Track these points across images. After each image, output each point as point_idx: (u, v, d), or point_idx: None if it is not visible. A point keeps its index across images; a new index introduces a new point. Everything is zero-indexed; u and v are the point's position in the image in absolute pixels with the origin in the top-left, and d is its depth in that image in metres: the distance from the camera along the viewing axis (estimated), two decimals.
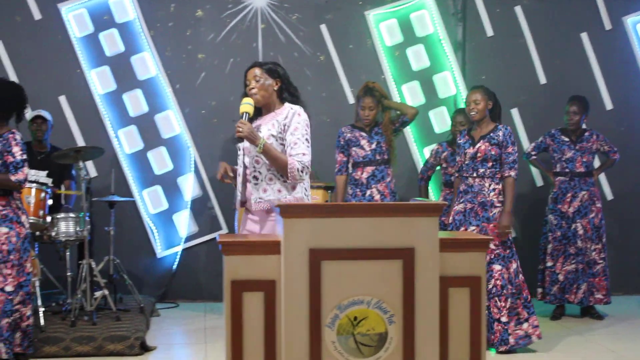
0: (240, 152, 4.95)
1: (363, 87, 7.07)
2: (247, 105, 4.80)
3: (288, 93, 5.02)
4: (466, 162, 6.40)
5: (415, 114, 7.16)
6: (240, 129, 4.69)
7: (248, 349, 4.02)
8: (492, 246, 6.16)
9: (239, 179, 4.94)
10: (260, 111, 4.98)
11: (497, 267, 6.23)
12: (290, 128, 4.86)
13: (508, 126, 6.45)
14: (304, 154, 4.81)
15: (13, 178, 5.70)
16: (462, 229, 6.33)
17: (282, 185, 4.85)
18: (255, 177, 4.85)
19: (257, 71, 4.96)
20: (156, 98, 8.28)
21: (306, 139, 4.86)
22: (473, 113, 6.36)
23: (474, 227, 6.29)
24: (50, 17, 8.16)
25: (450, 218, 6.42)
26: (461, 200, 6.39)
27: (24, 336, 5.85)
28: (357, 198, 6.94)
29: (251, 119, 4.84)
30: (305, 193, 4.93)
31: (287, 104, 4.96)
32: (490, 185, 6.32)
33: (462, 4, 8.52)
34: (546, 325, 7.17)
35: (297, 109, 4.92)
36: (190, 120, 8.32)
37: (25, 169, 5.76)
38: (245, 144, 4.85)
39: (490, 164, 6.31)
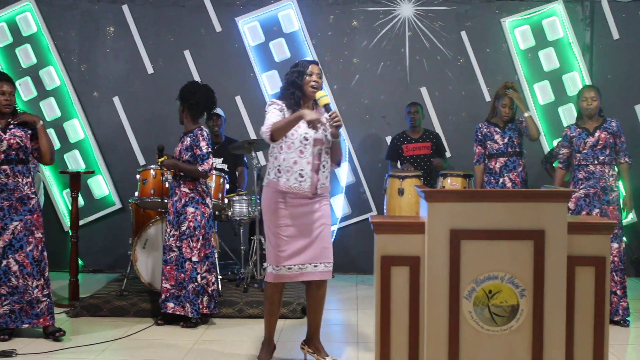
0: (308, 142, 4.77)
1: (503, 86, 6.88)
2: (327, 97, 4.72)
3: None
4: (585, 151, 6.18)
5: (536, 139, 6.94)
6: (340, 121, 4.65)
7: (395, 316, 4.05)
8: None
9: (309, 167, 4.78)
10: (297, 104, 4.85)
11: (614, 245, 6.08)
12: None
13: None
14: None
15: (200, 168, 5.91)
16: (584, 213, 6.14)
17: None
18: (323, 166, 4.85)
19: (319, 69, 4.86)
20: None
21: None
22: (590, 108, 6.18)
23: (597, 210, 6.11)
24: (228, 29, 8.37)
25: (572, 204, 6.21)
26: (582, 187, 6.18)
27: (210, 299, 6.05)
28: (491, 185, 6.82)
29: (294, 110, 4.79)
30: None
31: None
32: (609, 171, 6.14)
33: (590, 10, 8.22)
34: None
35: None
36: (346, 116, 8.36)
37: (210, 160, 5.94)
38: (319, 135, 4.77)
39: (608, 151, 6.14)
